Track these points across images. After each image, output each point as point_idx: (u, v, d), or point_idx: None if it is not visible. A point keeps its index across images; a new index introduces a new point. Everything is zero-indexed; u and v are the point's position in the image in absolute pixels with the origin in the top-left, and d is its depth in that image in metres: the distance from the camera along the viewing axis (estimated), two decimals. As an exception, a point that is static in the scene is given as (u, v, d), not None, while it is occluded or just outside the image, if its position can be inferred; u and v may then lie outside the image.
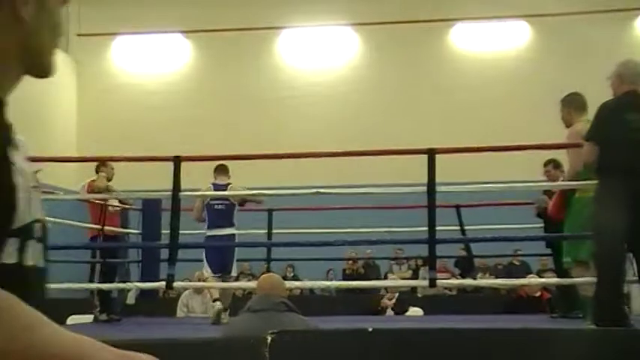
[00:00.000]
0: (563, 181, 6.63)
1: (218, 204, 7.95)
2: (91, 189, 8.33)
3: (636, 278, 5.10)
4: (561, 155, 8.11)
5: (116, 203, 8.76)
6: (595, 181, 5.31)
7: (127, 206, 9.12)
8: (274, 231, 9.80)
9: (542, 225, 8.26)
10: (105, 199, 8.37)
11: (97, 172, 8.57)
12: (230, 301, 8.08)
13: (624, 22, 16.50)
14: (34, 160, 5.90)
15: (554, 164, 8.23)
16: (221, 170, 8.07)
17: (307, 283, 10.65)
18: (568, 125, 6.13)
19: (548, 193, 7.90)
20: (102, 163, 8.57)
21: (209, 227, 7.80)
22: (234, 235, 8.05)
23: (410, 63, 16.86)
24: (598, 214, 5.05)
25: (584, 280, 5.66)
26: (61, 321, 8.61)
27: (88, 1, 17.49)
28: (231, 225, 7.99)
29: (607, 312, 4.80)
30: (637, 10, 16.46)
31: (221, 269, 7.87)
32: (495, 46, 17.01)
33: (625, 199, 4.86)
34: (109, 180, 8.59)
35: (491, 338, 2.97)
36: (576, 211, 5.97)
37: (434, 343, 2.97)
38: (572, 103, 6.13)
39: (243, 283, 13.36)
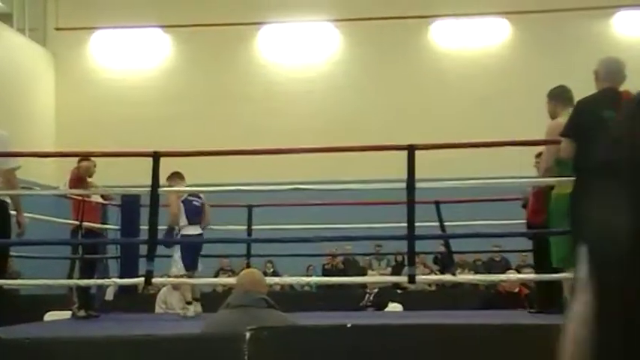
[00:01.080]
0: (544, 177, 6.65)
1: (195, 200, 8.20)
2: (76, 176, 8.28)
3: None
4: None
5: (97, 198, 8.71)
6: (569, 178, 5.36)
7: (108, 201, 9.05)
8: (254, 227, 9.77)
9: (522, 221, 8.31)
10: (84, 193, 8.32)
11: (78, 163, 8.54)
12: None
13: (603, 19, 16.61)
14: (11, 155, 5.87)
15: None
16: (175, 177, 8.22)
17: (287, 279, 10.64)
18: (552, 117, 6.14)
19: None
20: (83, 157, 8.52)
21: (189, 224, 7.98)
22: (202, 234, 8.32)
23: (390, 59, 16.90)
24: (575, 212, 5.08)
25: (563, 276, 5.69)
26: (39, 317, 8.57)
27: (66, -6, 17.42)
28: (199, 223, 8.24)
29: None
30: (615, 8, 16.59)
31: (193, 267, 8.09)
32: (475, 43, 17.08)
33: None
34: (90, 176, 8.54)
35: (471, 333, 2.98)
36: (556, 210, 5.99)
37: (413, 338, 2.98)
38: (559, 97, 6.13)
39: (223, 279, 13.36)
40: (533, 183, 7.80)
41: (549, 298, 8.12)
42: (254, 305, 3.75)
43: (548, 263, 6.81)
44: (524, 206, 8.22)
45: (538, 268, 8.47)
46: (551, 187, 6.16)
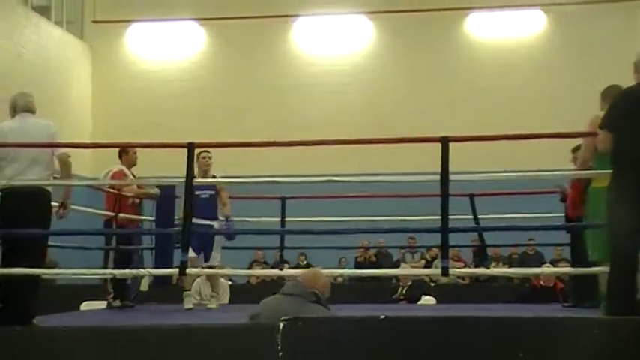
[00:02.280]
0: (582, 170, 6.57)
1: (203, 193, 8.06)
2: (120, 171, 8.40)
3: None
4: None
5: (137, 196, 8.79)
6: (606, 171, 5.29)
7: (151, 198, 9.08)
8: (287, 219, 9.80)
9: (557, 214, 8.23)
10: (121, 190, 8.41)
11: (120, 158, 8.64)
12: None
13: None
14: (50, 146, 5.94)
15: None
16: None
17: (324, 271, 10.64)
18: None
19: None
20: (123, 150, 8.61)
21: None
22: (212, 226, 8.26)
23: (425, 51, 16.81)
24: (611, 205, 5.03)
25: (599, 270, 5.63)
26: (75, 307, 8.69)
27: (103, -13, 17.58)
28: (215, 217, 8.21)
29: (619, 302, 4.78)
30: (655, 0, 16.31)
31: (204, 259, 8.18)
32: (511, 34, 16.92)
33: (639, 189, 4.83)
34: (132, 166, 8.64)
35: (503, 327, 2.96)
36: (594, 204, 5.92)
37: (445, 331, 2.97)
38: (608, 96, 6.04)
39: (257, 271, 13.42)
40: (569, 176, 7.72)
41: (584, 292, 8.05)
42: (302, 296, 3.95)
43: (584, 257, 6.75)
44: (563, 200, 8.14)
45: (575, 262, 8.39)
46: (589, 181, 6.09)
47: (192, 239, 7.09)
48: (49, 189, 6.04)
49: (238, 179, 8.83)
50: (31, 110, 6.15)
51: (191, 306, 8.36)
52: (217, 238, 8.41)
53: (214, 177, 8.41)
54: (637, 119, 4.91)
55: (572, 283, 8.87)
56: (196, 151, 7.05)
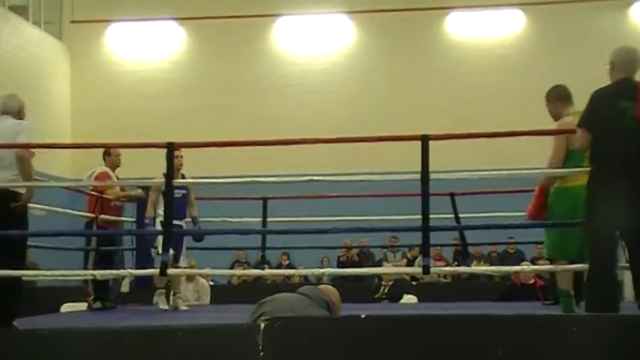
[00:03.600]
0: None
1: (177, 193, 7.77)
2: (105, 173, 8.36)
3: (628, 265, 5.10)
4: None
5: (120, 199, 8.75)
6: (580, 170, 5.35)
7: (132, 198, 9.03)
8: (269, 219, 9.79)
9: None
10: (104, 191, 8.37)
11: (104, 159, 8.60)
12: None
13: (620, 10, 16.49)
14: (29, 146, 5.89)
15: None
16: None
17: (301, 271, 10.66)
18: (556, 119, 6.09)
19: None
20: (107, 151, 8.58)
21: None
22: (182, 226, 8.18)
23: (405, 50, 16.86)
24: (591, 202, 5.06)
25: (580, 267, 5.67)
26: (56, 309, 8.63)
27: (82, -13, 17.47)
28: (184, 216, 8.16)
29: (599, 299, 4.82)
30: (631, -1, 16.48)
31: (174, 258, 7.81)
32: (490, 34, 17.01)
33: (618, 187, 4.87)
34: (116, 168, 8.60)
35: (483, 325, 2.97)
36: (559, 203, 5.95)
37: (427, 329, 2.97)
38: (558, 96, 6.11)
39: (238, 271, 13.38)
40: (549, 174, 7.76)
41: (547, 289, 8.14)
42: (314, 299, 3.98)
43: None
44: None
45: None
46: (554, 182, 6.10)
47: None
48: (20, 190, 5.92)
49: (219, 179, 8.80)
50: (6, 112, 6.10)
51: (166, 307, 8.32)
52: (186, 238, 8.38)
53: (183, 176, 8.29)
54: (615, 117, 4.94)
55: (552, 280, 8.93)
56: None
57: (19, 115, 6.14)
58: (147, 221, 8.27)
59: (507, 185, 9.28)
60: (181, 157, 8.17)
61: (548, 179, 6.13)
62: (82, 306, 8.54)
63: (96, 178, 8.36)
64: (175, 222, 7.53)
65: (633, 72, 5.11)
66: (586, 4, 16.04)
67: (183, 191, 8.12)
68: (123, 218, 9.09)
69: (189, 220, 8.34)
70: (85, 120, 16.90)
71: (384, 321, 3.00)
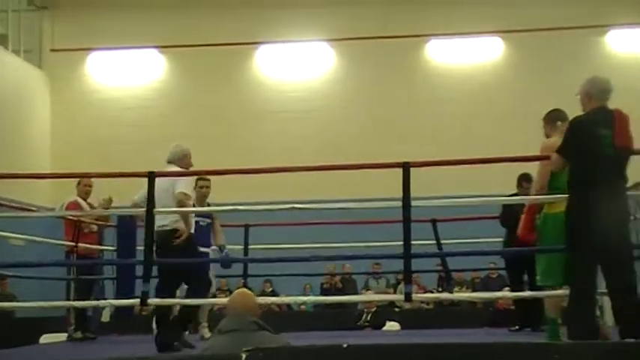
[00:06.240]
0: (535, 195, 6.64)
1: (202, 221, 8.15)
2: (74, 200, 8.34)
3: (607, 291, 5.12)
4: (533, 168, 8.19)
5: (94, 222, 8.71)
6: (561, 196, 5.38)
7: (103, 223, 9.04)
8: (251, 246, 9.76)
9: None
10: (80, 219, 8.33)
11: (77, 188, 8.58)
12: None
13: (595, 37, 16.71)
14: (8, 176, 5.87)
15: (527, 179, 8.31)
16: None
17: (284, 299, 10.61)
18: None
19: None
20: (78, 180, 8.57)
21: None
22: (208, 253, 8.34)
23: (386, 77, 16.94)
24: (571, 227, 5.10)
25: (556, 293, 5.69)
26: (35, 340, 8.52)
27: (61, 15, 17.45)
28: (210, 244, 8.20)
29: (579, 326, 4.83)
30: (607, 27, 16.71)
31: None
32: (470, 61, 17.14)
33: (599, 212, 4.91)
34: (87, 196, 8.57)
35: (465, 353, 2.96)
36: (546, 229, 5.98)
37: (409, 358, 2.95)
38: (554, 120, 6.15)
39: (220, 299, 13.26)
40: (529, 200, 7.80)
41: (530, 315, 8.17)
42: (245, 329, 3.72)
43: (533, 280, 6.84)
44: (503, 224, 8.29)
45: (513, 285, 8.50)
46: (541, 209, 6.14)
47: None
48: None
49: (201, 207, 8.76)
50: (171, 161, 6.96)
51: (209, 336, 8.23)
52: (212, 266, 8.38)
53: (209, 205, 8.39)
54: (595, 145, 5.01)
55: (517, 306, 8.94)
56: (195, 179, 7.59)
57: (183, 163, 6.92)
58: (214, 248, 8.30)
59: (489, 211, 9.31)
60: (207, 187, 8.36)
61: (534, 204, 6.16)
62: (62, 337, 8.45)
63: (66, 208, 8.35)
64: (202, 249, 7.83)
65: (607, 100, 5.22)
66: (563, 31, 16.23)
67: (208, 220, 8.34)
68: (103, 247, 9.03)
69: (215, 248, 8.37)
70: (65, 148, 16.81)
71: (366, 351, 2.98)
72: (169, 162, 7.03)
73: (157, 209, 6.52)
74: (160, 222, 6.71)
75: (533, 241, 6.18)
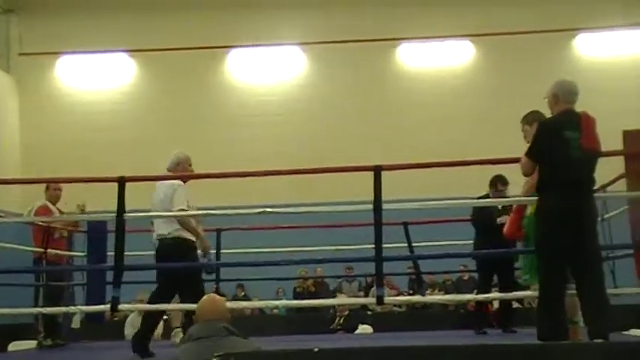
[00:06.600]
0: (515, 196, 6.70)
1: None
2: (43, 205, 8.24)
3: (576, 292, 5.16)
4: (504, 171, 8.25)
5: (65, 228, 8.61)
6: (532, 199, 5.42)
7: (74, 229, 8.94)
8: (223, 251, 9.71)
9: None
10: (50, 224, 8.23)
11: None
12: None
13: (564, 41, 16.90)
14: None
15: (503, 181, 8.37)
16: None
17: (256, 303, 10.57)
18: None
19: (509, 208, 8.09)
20: (47, 185, 8.47)
21: None
22: None
23: (357, 81, 16.98)
24: (541, 228, 5.15)
25: (527, 294, 5.73)
26: (3, 348, 8.41)
27: (29, 19, 17.28)
28: None
29: (548, 327, 4.87)
30: (576, 30, 16.90)
31: None
32: (441, 64, 17.24)
33: (567, 213, 4.96)
34: (56, 201, 8.47)
35: (437, 355, 2.97)
36: (531, 230, 6.02)
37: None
38: (534, 121, 6.17)
39: (187, 305, 13.19)
40: (500, 203, 7.87)
41: (508, 317, 8.23)
42: (215, 335, 3.70)
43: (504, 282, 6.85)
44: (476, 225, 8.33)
45: (483, 286, 8.54)
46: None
47: None
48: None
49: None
50: (170, 169, 6.96)
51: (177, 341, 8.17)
52: None
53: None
54: (562, 147, 5.05)
55: (476, 309, 8.99)
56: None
57: (179, 170, 7.00)
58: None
59: (461, 214, 9.36)
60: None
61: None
62: (32, 344, 8.34)
63: (36, 213, 8.24)
64: None
65: (574, 103, 5.27)
66: (532, 35, 16.38)
67: None
68: (73, 253, 8.94)
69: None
70: (35, 153, 16.63)
71: (337, 355, 2.98)
72: (168, 170, 7.09)
73: (127, 214, 6.45)
74: (161, 231, 6.70)
75: (520, 237, 6.22)
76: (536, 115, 6.14)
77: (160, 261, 6.68)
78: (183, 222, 6.64)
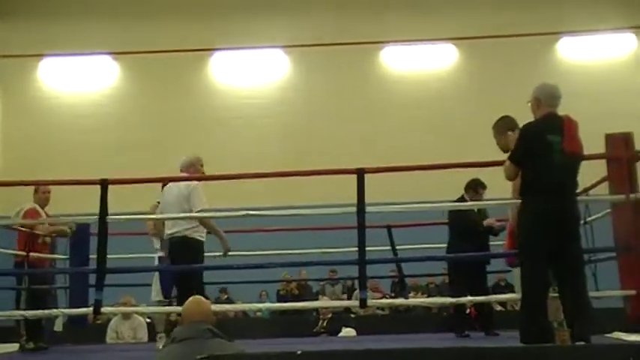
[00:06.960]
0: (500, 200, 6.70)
1: None
2: (32, 209, 8.16)
3: (559, 295, 5.18)
4: (484, 174, 8.28)
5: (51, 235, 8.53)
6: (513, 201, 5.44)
7: (62, 236, 8.84)
8: (206, 254, 9.67)
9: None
10: (33, 228, 8.16)
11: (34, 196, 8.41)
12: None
13: (548, 44, 17.01)
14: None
15: (483, 185, 8.39)
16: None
17: (239, 306, 10.55)
18: (505, 150, 5.90)
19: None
20: (35, 188, 8.39)
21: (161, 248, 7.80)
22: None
23: (340, 84, 17.02)
24: (523, 231, 5.16)
25: (509, 297, 5.75)
26: (-16, 351, 8.34)
27: (12, 22, 17.19)
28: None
29: (531, 330, 4.89)
30: (559, 34, 17.02)
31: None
32: (424, 67, 17.30)
33: (550, 217, 4.98)
34: (45, 204, 8.40)
35: (420, 358, 2.98)
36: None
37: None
38: (505, 127, 6.18)
39: (173, 308, 13.15)
40: (479, 205, 7.90)
41: (489, 320, 8.25)
42: (199, 337, 3.70)
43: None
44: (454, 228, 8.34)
45: (456, 289, 8.54)
46: None
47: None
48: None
49: (154, 215, 8.68)
50: (182, 170, 7.04)
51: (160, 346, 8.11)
52: (156, 273, 8.26)
53: None
54: (545, 151, 5.07)
55: (454, 312, 8.99)
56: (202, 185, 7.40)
57: (191, 170, 7.07)
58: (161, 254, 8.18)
59: (444, 217, 9.38)
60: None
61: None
62: (14, 347, 8.28)
63: (25, 215, 8.16)
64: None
65: (556, 107, 5.28)
66: (515, 38, 16.48)
67: None
68: (55, 256, 8.88)
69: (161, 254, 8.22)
70: (18, 155, 16.55)
71: (320, 357, 2.98)
72: (181, 170, 7.20)
73: (110, 216, 6.43)
74: (170, 230, 6.76)
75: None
76: (504, 124, 6.14)
77: (172, 259, 6.76)
78: (205, 223, 6.76)
